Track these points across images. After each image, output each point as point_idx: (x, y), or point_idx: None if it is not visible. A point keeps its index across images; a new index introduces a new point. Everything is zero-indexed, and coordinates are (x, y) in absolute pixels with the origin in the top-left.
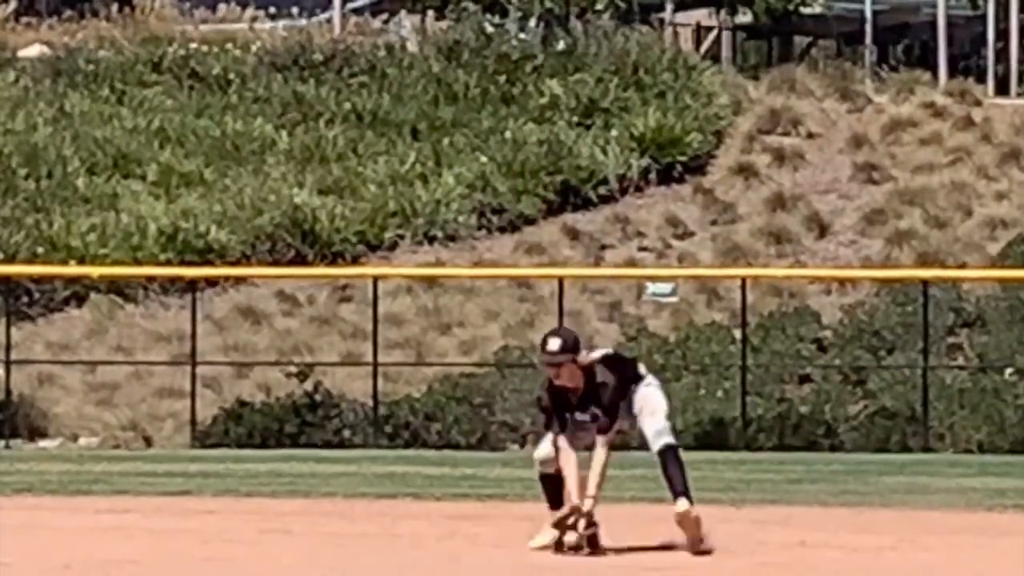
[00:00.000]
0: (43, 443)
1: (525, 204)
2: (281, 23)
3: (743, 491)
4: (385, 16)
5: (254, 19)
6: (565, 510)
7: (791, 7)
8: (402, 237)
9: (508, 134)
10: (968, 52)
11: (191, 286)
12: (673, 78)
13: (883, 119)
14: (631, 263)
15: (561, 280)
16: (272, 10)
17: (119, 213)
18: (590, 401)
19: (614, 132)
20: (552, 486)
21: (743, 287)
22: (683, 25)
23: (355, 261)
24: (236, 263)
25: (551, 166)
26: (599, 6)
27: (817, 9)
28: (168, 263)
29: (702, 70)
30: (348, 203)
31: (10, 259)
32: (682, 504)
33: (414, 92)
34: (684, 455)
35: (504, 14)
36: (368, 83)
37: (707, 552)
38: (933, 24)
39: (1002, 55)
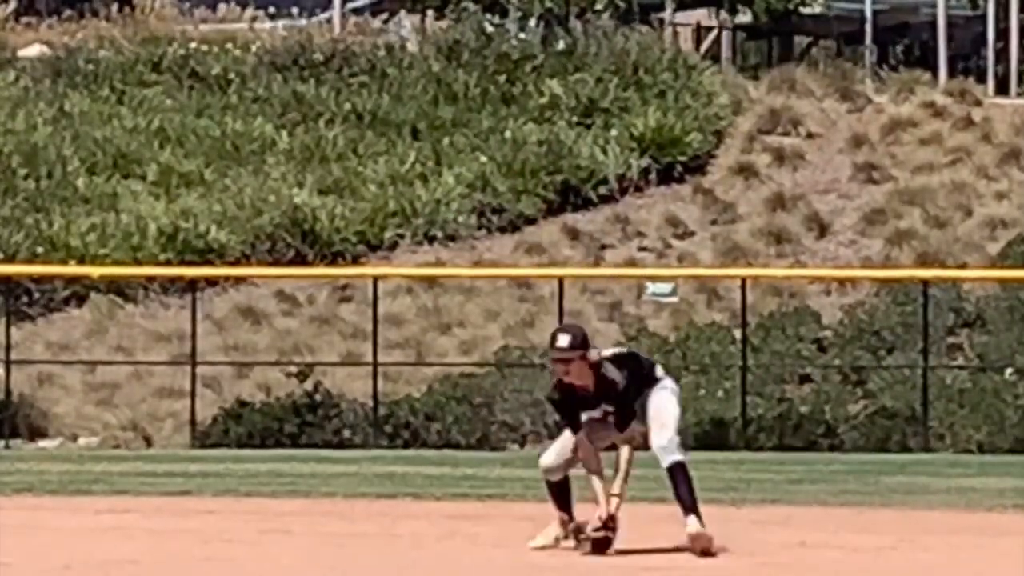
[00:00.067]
0: (43, 443)
1: (525, 204)
2: (281, 23)
3: (743, 491)
4: (385, 16)
5: (254, 19)
6: (597, 523)
7: (791, 7)
8: (402, 237)
9: (508, 134)
10: (968, 52)
11: (191, 286)
12: (673, 78)
13: (883, 119)
14: (631, 263)
15: (561, 280)
16: (272, 10)
17: (119, 213)
18: (601, 399)
19: (614, 132)
20: (559, 492)
21: (743, 287)
22: (683, 25)
23: (355, 261)
24: (236, 263)
25: (551, 166)
26: (599, 6)
27: (817, 9)
28: (168, 263)
29: (702, 70)
30: (348, 203)
31: (10, 259)
32: (693, 524)
33: (414, 92)
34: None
35: (504, 14)
36: (368, 83)
37: (711, 554)
38: (933, 24)
39: (1002, 55)
